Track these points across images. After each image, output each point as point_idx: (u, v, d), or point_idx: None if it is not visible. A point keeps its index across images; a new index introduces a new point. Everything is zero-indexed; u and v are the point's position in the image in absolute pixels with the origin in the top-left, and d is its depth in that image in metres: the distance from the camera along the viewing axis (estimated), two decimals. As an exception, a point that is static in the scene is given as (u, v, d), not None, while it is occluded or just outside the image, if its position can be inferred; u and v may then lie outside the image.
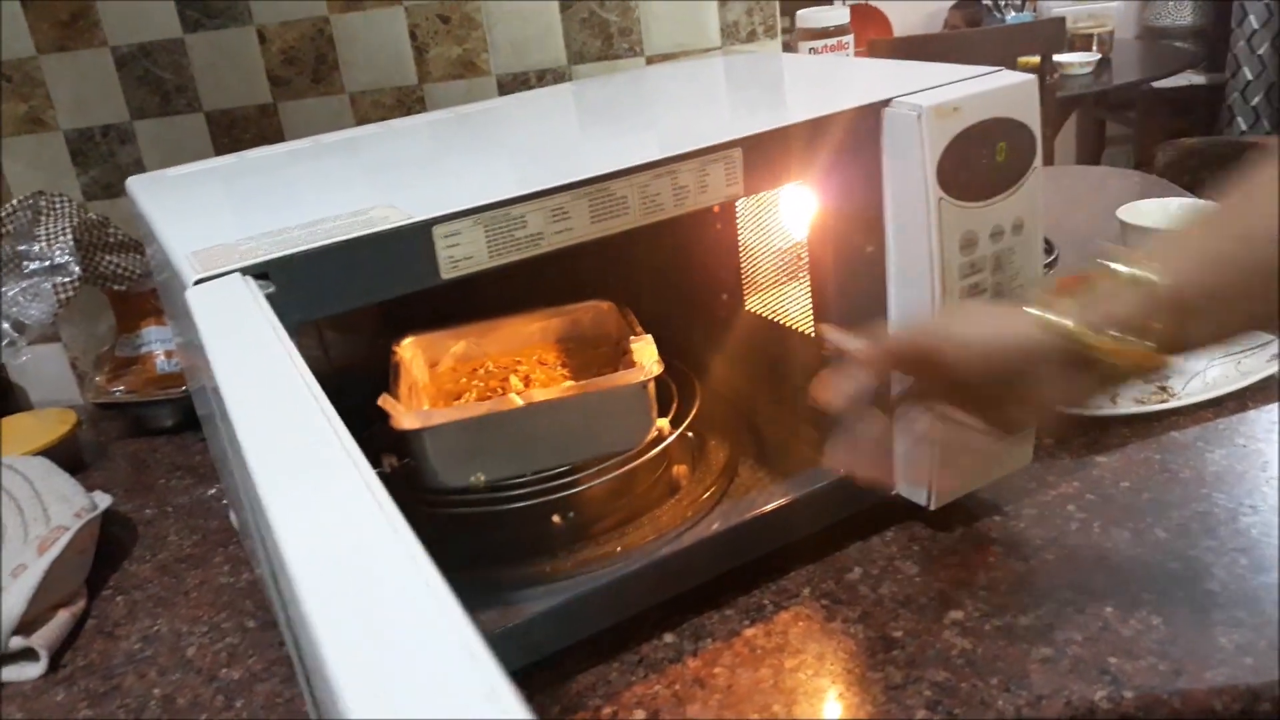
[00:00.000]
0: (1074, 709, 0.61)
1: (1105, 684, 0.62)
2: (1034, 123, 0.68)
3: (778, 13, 1.09)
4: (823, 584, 0.74)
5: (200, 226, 0.59)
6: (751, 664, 0.67)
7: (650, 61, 1.10)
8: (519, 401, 0.69)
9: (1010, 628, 0.67)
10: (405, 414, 0.67)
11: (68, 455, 1.04)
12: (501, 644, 0.60)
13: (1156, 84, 3.21)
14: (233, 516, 0.92)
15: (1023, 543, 0.76)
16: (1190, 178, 2.66)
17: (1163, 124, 3.41)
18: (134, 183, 0.74)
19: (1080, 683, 0.62)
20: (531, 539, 0.72)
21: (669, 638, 0.70)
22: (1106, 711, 0.60)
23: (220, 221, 0.59)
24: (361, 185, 0.64)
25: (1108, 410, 0.88)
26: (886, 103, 0.65)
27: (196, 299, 0.47)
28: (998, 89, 0.66)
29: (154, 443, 1.11)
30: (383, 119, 1.01)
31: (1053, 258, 1.24)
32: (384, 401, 0.67)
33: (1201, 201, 1.20)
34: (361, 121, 1.12)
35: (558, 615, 0.63)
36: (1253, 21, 3.21)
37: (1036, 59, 2.43)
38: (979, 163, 0.66)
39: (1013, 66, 2.34)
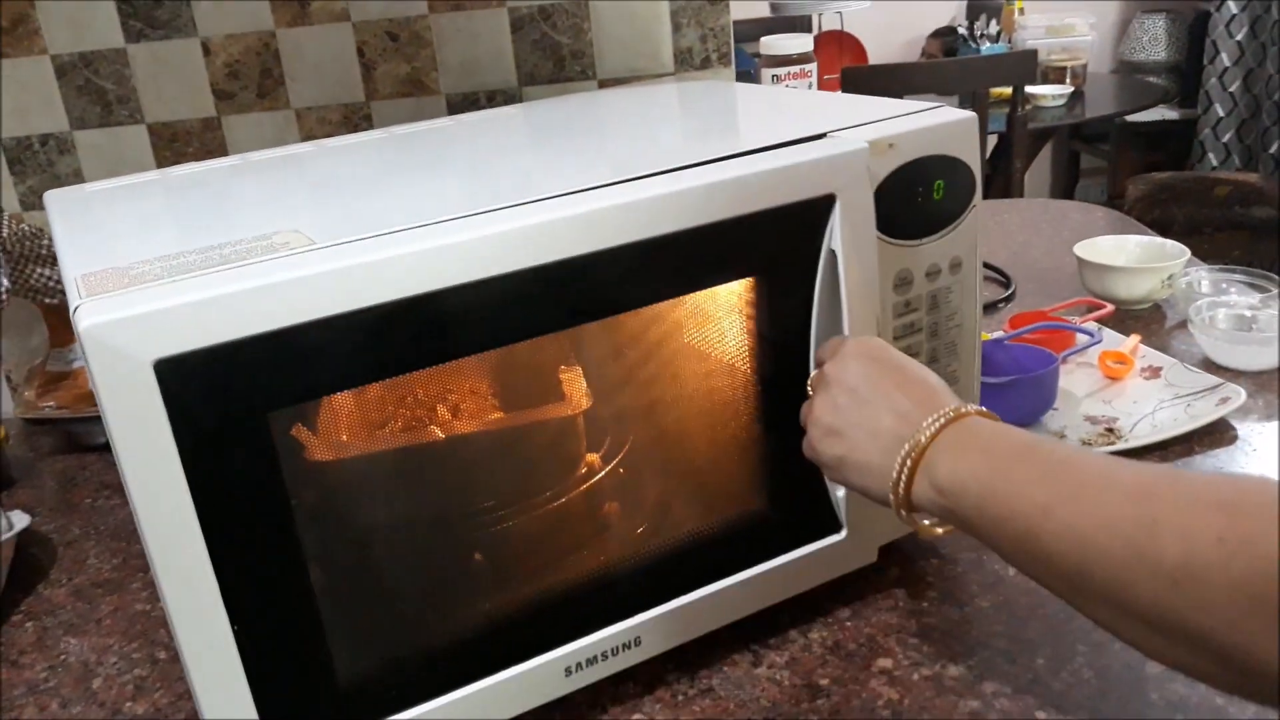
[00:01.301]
0: (998, 766, 0.59)
1: (1032, 740, 0.60)
2: (973, 161, 0.67)
3: (731, 40, 1.08)
4: (751, 627, 0.71)
5: (100, 246, 0.57)
6: (673, 710, 0.65)
7: (602, 85, 1.09)
8: (439, 434, 0.67)
9: (939, 678, 0.66)
10: (319, 445, 0.64)
11: (-8, 472, 1.01)
12: (406, 682, 0.58)
13: (1130, 118, 3.22)
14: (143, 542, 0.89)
15: (959, 589, 0.74)
16: (1160, 212, 2.68)
17: (1136, 157, 3.44)
18: (51, 197, 0.72)
19: (1006, 738, 0.60)
20: (451, 577, 0.69)
21: (589, 681, 0.67)
22: (1031, 770, 0.59)
23: (121, 242, 0.57)
24: (276, 206, 0.62)
25: (1053, 452, 0.87)
26: (822, 136, 0.63)
27: (90, 337, 0.45)
28: (936, 125, 0.65)
29: (84, 460, 1.08)
30: (329, 136, 0.99)
31: (1009, 292, 1.23)
32: (297, 431, 0.64)
33: (1162, 240, 1.19)
34: (307, 138, 1.09)
35: (469, 653, 0.60)
36: (1224, 59, 3.24)
37: (1010, 90, 2.43)
38: (915, 201, 0.65)
39: (986, 97, 2.37)
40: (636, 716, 0.65)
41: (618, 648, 0.64)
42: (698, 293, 0.61)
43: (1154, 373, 0.99)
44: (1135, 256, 1.18)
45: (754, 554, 0.68)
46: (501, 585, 0.60)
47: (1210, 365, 0.99)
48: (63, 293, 1.02)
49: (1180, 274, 1.12)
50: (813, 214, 0.62)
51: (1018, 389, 0.90)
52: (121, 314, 0.45)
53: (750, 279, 0.62)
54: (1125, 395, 0.96)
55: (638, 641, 0.65)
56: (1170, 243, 1.18)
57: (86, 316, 0.45)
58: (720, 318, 0.63)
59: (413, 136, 0.81)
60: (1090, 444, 0.88)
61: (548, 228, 0.54)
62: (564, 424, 0.61)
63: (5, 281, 0.97)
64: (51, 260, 1.03)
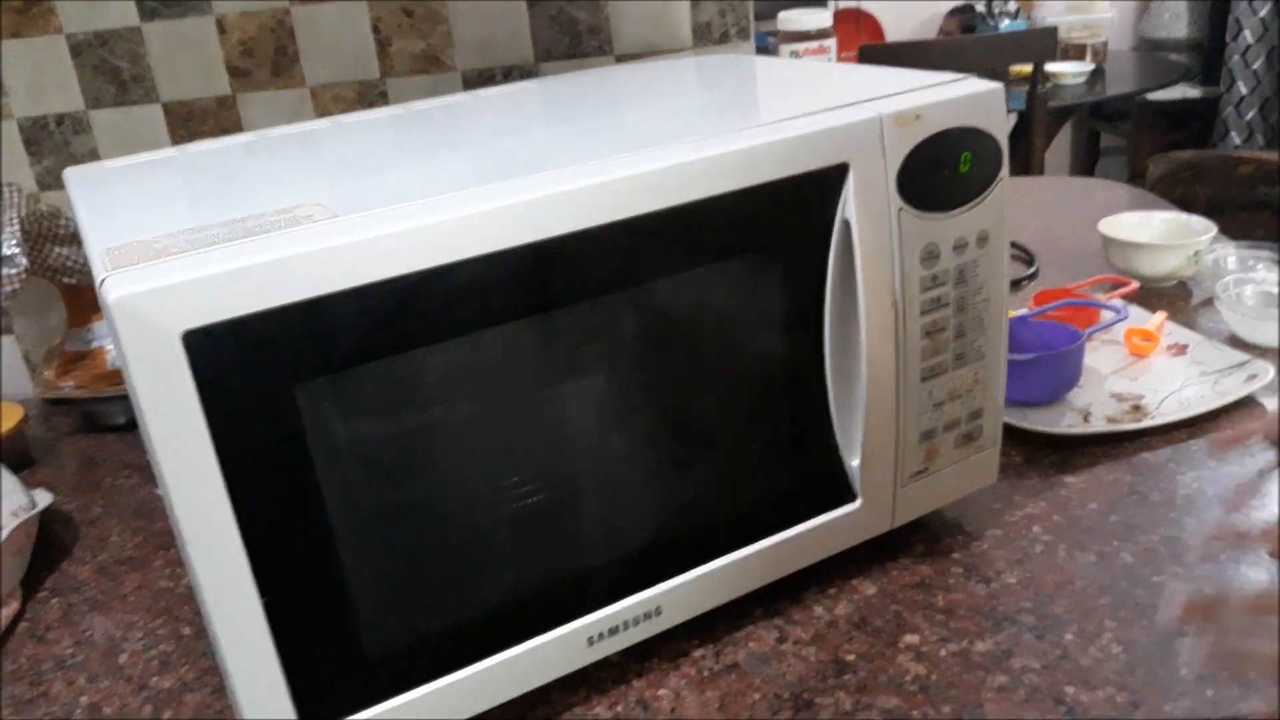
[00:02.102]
0: (1027, 742, 0.58)
1: (1061, 715, 0.59)
2: (1000, 133, 0.66)
3: (751, 14, 1.06)
4: (776, 603, 0.71)
5: (123, 221, 0.56)
6: (698, 686, 0.65)
7: (620, 60, 1.08)
8: (464, 408, 0.66)
9: (966, 654, 0.65)
10: (345, 417, 0.64)
11: (15, 451, 1.01)
12: (432, 653, 0.58)
13: (1151, 96, 3.19)
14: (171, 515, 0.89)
15: (985, 564, 0.73)
16: (1182, 190, 2.65)
17: (1157, 136, 3.40)
18: (70, 174, 0.72)
19: (1035, 713, 0.60)
20: (476, 549, 0.69)
21: (613, 656, 0.67)
22: (1060, 745, 0.58)
23: (144, 216, 0.57)
24: (295, 181, 0.61)
25: (1079, 429, 0.86)
26: (846, 108, 0.63)
27: (119, 309, 0.45)
28: (962, 97, 0.64)
29: (104, 440, 1.08)
30: (344, 113, 0.98)
31: (1033, 270, 1.22)
32: (323, 403, 0.64)
33: (1188, 216, 1.18)
34: (322, 115, 1.09)
35: (493, 623, 0.60)
36: (1247, 36, 3.20)
37: (1029, 68, 2.41)
38: (941, 173, 0.64)
39: (1005, 75, 2.35)
40: (662, 691, 0.65)
41: (639, 617, 0.64)
42: (712, 265, 0.60)
43: (1180, 350, 0.98)
44: (1160, 233, 1.17)
45: (771, 525, 0.68)
46: (525, 557, 0.60)
47: (1237, 342, 0.98)
48: (80, 272, 1.03)
49: (1206, 250, 1.11)
50: (826, 184, 0.61)
51: (1043, 366, 0.89)
52: (149, 285, 0.45)
53: (763, 251, 0.62)
54: (1151, 372, 0.95)
55: (658, 611, 0.65)
56: (1196, 219, 1.16)
57: (114, 289, 0.45)
58: (735, 290, 0.62)
59: (429, 112, 0.80)
60: (1117, 421, 0.87)
61: (564, 199, 0.53)
62: (585, 397, 0.61)
63: (24, 261, 0.97)
64: (69, 240, 1.03)
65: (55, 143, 1.09)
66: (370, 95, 1.08)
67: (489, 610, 0.60)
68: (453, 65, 1.08)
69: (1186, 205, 1.30)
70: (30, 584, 0.84)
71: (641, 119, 0.69)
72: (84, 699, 0.70)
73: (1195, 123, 3.43)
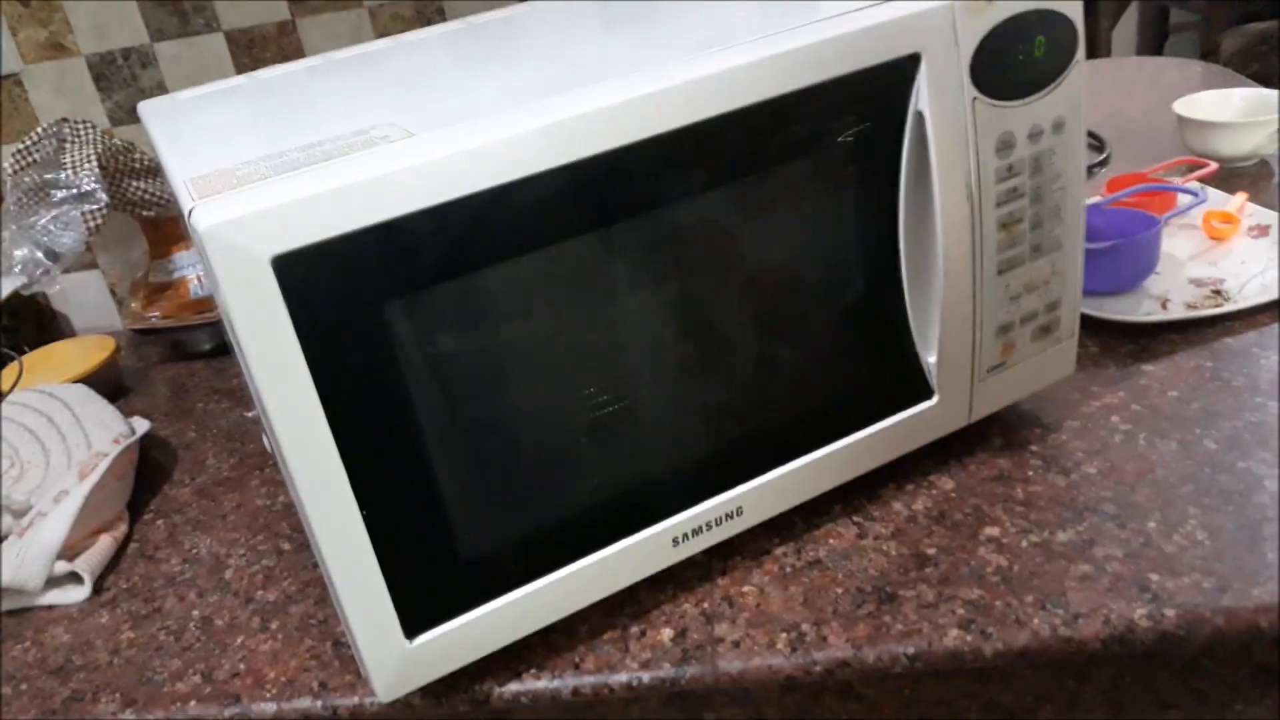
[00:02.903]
0: (1112, 627, 0.59)
1: (1145, 602, 0.60)
2: (1075, 13, 0.64)
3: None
4: (854, 500, 0.72)
5: (203, 151, 0.57)
6: (781, 583, 0.67)
7: (677, -39, 1.05)
8: (548, 320, 0.67)
9: (1048, 544, 0.66)
10: (434, 332, 0.65)
11: (108, 381, 1.05)
12: (524, 557, 0.60)
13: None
14: (267, 440, 0.93)
15: (1064, 456, 0.73)
16: (1259, 65, 2.54)
17: (1230, 9, 3.24)
18: (145, 107, 0.73)
19: (1120, 601, 0.60)
20: (563, 457, 0.71)
21: (698, 556, 0.69)
22: (1146, 630, 0.59)
23: (222, 145, 0.58)
24: (366, 102, 0.62)
25: (1156, 315, 0.85)
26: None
27: (211, 238, 0.46)
28: (1036, -23, 0.62)
29: (192, 367, 1.12)
30: (403, 32, 0.98)
31: (1104, 156, 1.18)
32: (411, 319, 0.65)
33: (1268, 92, 1.13)
34: (382, 36, 1.09)
35: (582, 527, 0.62)
36: (1331, -105, 3.01)
37: (1095, -56, 2.30)
38: (1015, 59, 0.62)
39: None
40: (746, 588, 0.67)
41: (720, 518, 0.65)
42: (784, 164, 0.60)
43: (1262, 231, 0.95)
44: (1240, 111, 1.13)
45: (848, 423, 0.68)
46: (607, 463, 0.62)
47: (1323, 220, 0.95)
48: (159, 204, 1.05)
49: (1289, 126, 1.07)
50: (898, 76, 0.60)
51: (1118, 254, 0.88)
52: (238, 213, 0.46)
53: (835, 148, 0.61)
54: (1232, 256, 0.93)
55: (739, 511, 0.66)
56: (1276, 93, 1.12)
57: (204, 218, 0.46)
58: (807, 190, 0.62)
59: (489, 25, 0.80)
60: (1196, 307, 0.85)
61: (633, 106, 0.53)
62: (661, 305, 0.62)
63: (104, 196, 1.00)
64: (145, 173, 1.05)
65: (123, 77, 1.11)
66: (428, 12, 1.08)
67: (576, 515, 0.61)
68: (508, -24, 1.06)
69: (1264, 79, 1.25)
70: (135, 508, 0.88)
71: (704, 20, 0.68)
72: (196, 613, 0.74)
73: (1273, -6, 3.26)
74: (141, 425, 0.92)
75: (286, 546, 0.80)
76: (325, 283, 0.49)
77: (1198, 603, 0.59)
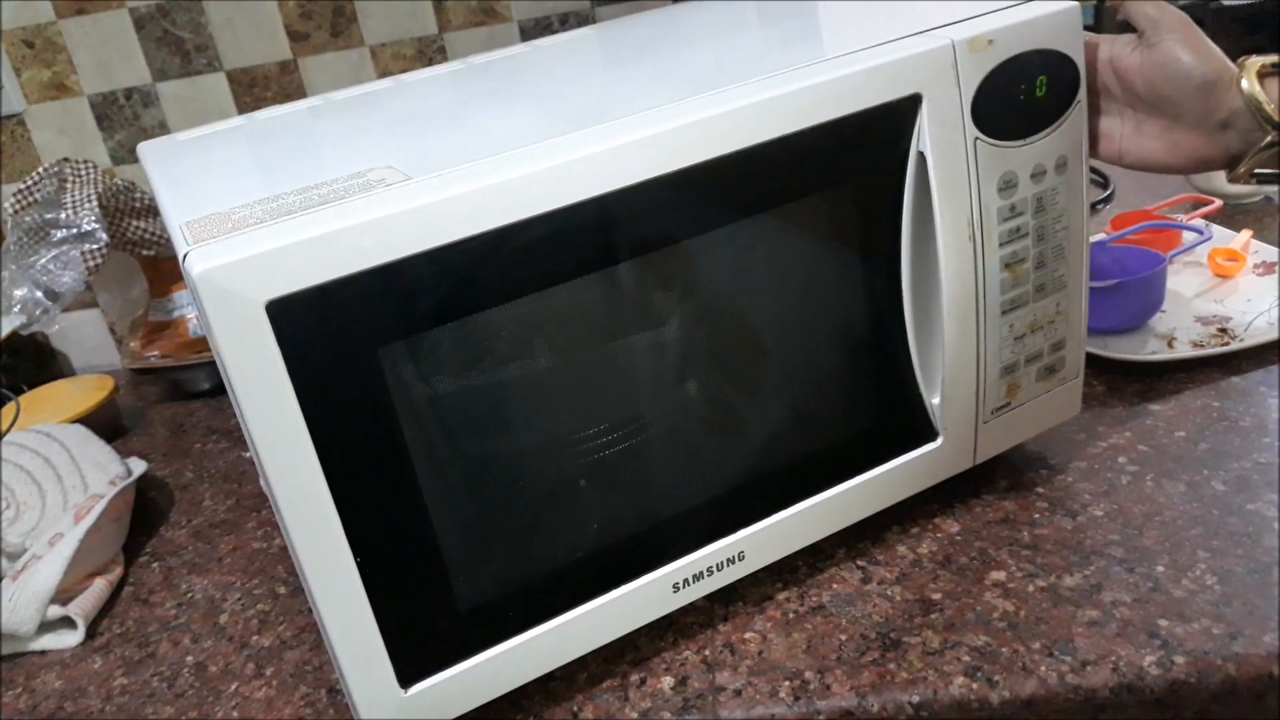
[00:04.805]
0: (1121, 675, 0.58)
1: (1155, 648, 0.59)
2: (1077, 53, 0.63)
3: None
4: (858, 544, 0.71)
5: (200, 193, 0.57)
6: (784, 629, 0.65)
7: (678, 0, 1.06)
8: (543, 361, 0.67)
9: (1055, 589, 0.65)
10: (428, 376, 0.65)
11: (107, 421, 1.04)
12: (521, 605, 0.59)
13: (1226, 1, 3.05)
14: (263, 482, 0.92)
15: (1070, 498, 0.72)
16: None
17: (1233, 43, 3.25)
18: (144, 148, 0.73)
19: (1128, 647, 0.59)
20: (560, 501, 0.70)
21: (699, 601, 0.68)
22: (1156, 677, 0.58)
23: (219, 187, 0.58)
24: (364, 144, 0.62)
25: (1163, 354, 0.84)
26: (916, 36, 0.61)
27: (204, 282, 0.45)
28: (1036, 18, 0.62)
29: (190, 406, 1.11)
30: (404, 71, 0.98)
31: (1108, 192, 1.18)
32: (407, 364, 0.65)
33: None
34: (383, 75, 1.09)
35: (580, 573, 0.61)
36: (1329, -69, 3.04)
37: (1095, -19, 2.32)
38: (1017, 99, 0.62)
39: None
40: (749, 634, 0.66)
41: (722, 562, 0.64)
42: (786, 205, 0.60)
43: (1268, 268, 0.95)
44: (1243, 147, 1.12)
45: (852, 466, 0.67)
46: (608, 506, 0.61)
47: (1329, 257, 0.95)
48: (158, 244, 1.05)
49: (1293, 163, 1.07)
50: (899, 116, 0.60)
51: (1124, 292, 0.87)
52: (231, 258, 0.46)
53: (838, 188, 0.61)
54: (1238, 293, 0.92)
55: (741, 556, 0.65)
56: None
57: (198, 262, 0.46)
58: (809, 230, 0.61)
59: (490, 65, 0.80)
60: (1202, 345, 0.85)
61: (633, 148, 0.53)
62: (662, 345, 0.61)
63: (104, 236, 1.00)
64: (145, 213, 1.05)
65: (125, 117, 1.11)
66: (429, 51, 1.08)
67: (575, 560, 0.60)
68: (509, 15, 1.07)
69: (1269, 117, 1.24)
70: (131, 549, 0.87)
71: (705, 60, 0.68)
72: (190, 658, 0.73)
73: (1274, 25, 3.27)
74: (138, 466, 0.91)
75: (282, 590, 0.79)
76: (320, 327, 0.48)
77: (1208, 649, 0.58)
